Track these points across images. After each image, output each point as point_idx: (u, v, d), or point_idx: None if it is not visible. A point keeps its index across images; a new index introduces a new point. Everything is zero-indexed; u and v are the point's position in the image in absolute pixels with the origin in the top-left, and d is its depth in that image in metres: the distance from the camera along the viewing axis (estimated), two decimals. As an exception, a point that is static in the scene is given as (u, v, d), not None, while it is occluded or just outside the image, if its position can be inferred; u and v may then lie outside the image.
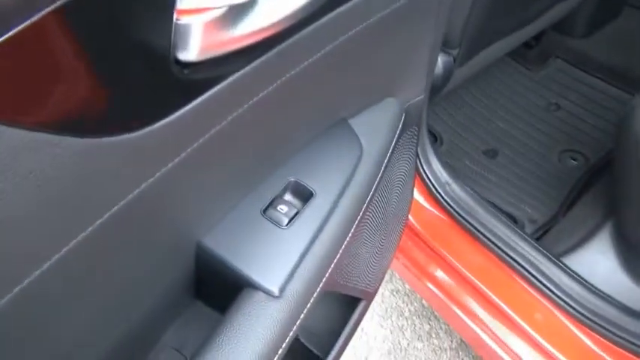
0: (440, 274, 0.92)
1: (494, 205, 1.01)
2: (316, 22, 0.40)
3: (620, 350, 0.68)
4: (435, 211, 0.93)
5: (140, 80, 0.33)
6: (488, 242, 0.88)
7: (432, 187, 0.93)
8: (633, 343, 0.67)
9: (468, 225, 0.89)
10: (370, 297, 0.67)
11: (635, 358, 0.68)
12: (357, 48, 0.45)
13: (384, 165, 0.51)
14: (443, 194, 0.91)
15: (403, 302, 1.33)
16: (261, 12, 0.36)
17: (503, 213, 0.95)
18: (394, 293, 1.34)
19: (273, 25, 0.37)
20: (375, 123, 0.52)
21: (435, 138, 1.21)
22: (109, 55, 0.30)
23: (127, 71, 0.32)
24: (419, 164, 0.92)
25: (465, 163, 1.15)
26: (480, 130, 1.23)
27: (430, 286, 0.93)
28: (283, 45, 0.38)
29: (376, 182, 0.50)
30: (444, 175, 0.93)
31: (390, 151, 0.53)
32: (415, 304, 1.32)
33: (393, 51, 0.52)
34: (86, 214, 0.33)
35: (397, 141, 0.55)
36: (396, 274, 1.34)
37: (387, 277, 1.36)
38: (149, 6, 0.31)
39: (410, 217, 0.93)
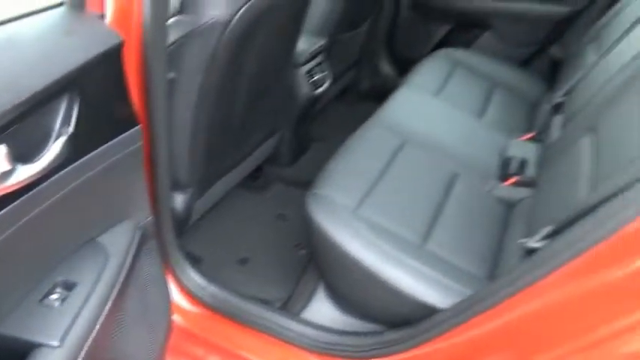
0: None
1: (251, 296, 1.29)
2: (54, 176, 0.64)
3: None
4: (203, 311, 1.16)
5: None
6: (249, 322, 1.14)
7: (197, 294, 1.17)
8: (347, 351, 1.00)
9: (232, 314, 1.15)
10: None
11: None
12: (91, 189, 0.71)
13: (126, 267, 0.75)
14: (206, 297, 1.16)
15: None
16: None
17: (258, 299, 1.24)
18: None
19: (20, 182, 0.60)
20: (116, 239, 0.77)
21: (196, 259, 1.47)
22: None
23: None
24: (183, 279, 1.16)
25: (224, 271, 1.43)
26: (232, 245, 1.55)
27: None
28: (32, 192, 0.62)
29: (122, 278, 0.74)
30: (205, 283, 1.19)
31: (132, 257, 0.78)
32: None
33: (120, 186, 0.79)
34: None
35: (137, 250, 0.80)
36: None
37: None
38: None
39: (183, 321, 1.14)
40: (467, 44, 2.19)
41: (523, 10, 2.02)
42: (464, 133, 1.55)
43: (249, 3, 1.02)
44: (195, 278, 1.17)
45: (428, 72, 1.88)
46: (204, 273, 1.20)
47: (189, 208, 1.30)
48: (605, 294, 0.70)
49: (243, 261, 1.50)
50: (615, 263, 0.70)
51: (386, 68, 2.39)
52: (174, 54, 1.01)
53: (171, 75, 1.02)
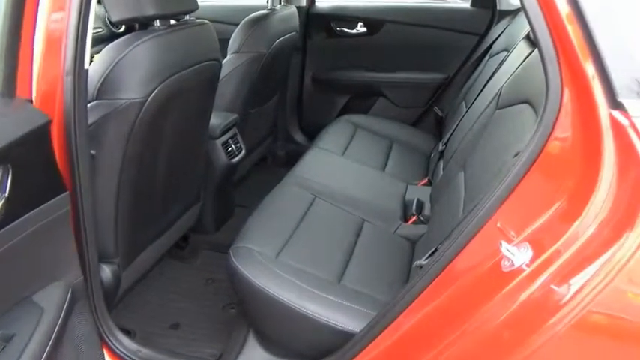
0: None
1: (185, 356, 1.34)
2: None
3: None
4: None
5: None
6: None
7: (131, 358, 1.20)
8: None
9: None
10: None
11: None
12: (24, 250, 0.78)
13: (60, 322, 0.81)
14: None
15: None
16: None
17: (192, 357, 1.29)
18: None
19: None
20: (49, 296, 0.83)
21: (128, 332, 1.48)
22: None
23: None
24: (115, 344, 1.19)
25: (157, 337, 1.46)
26: (163, 312, 1.58)
27: None
28: None
29: (56, 332, 0.79)
30: (137, 347, 1.22)
31: (65, 313, 0.84)
32: None
33: (51, 248, 0.86)
34: None
35: (69, 308, 0.87)
36: None
37: None
38: None
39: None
40: (365, 110, 2.48)
41: (406, 79, 2.37)
42: (369, 185, 1.76)
43: (161, 85, 1.18)
44: (127, 344, 1.20)
45: (333, 135, 2.12)
46: (137, 341, 1.24)
47: (117, 278, 1.34)
48: (470, 293, 0.87)
49: (175, 326, 1.53)
50: (474, 267, 0.87)
51: (298, 136, 2.61)
52: (96, 132, 1.12)
53: (93, 152, 1.12)
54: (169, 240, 1.64)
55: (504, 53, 1.81)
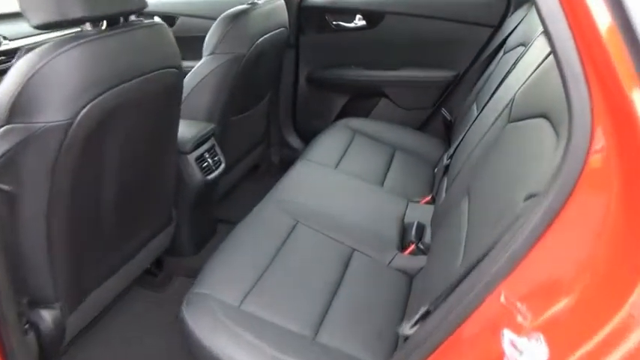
0: None
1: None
2: None
3: None
4: None
5: None
6: None
7: None
8: None
9: None
10: None
11: None
12: None
13: None
14: None
15: None
16: None
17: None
18: None
19: None
20: None
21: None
22: None
23: None
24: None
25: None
26: (124, 353, 1.39)
27: None
28: None
29: None
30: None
31: None
32: None
33: None
34: None
35: None
36: None
37: None
38: None
39: None
40: (366, 112, 2.24)
41: (411, 77, 2.11)
42: (363, 204, 1.53)
43: (93, 102, 0.96)
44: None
45: (327, 142, 1.89)
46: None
47: (60, 325, 1.15)
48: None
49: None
50: (476, 346, 0.64)
51: (293, 140, 2.39)
52: (10, 163, 0.92)
53: (7, 187, 0.92)
54: (135, 269, 1.44)
55: (521, 48, 1.55)
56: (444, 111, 1.98)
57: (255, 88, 1.91)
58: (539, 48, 1.24)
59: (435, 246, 1.22)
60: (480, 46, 1.97)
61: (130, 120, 1.12)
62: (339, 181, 1.63)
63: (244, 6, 1.70)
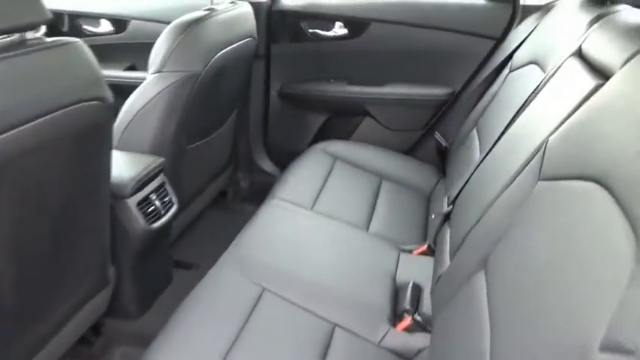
0: None
1: None
2: None
3: None
4: None
5: None
6: None
7: None
8: None
9: None
10: None
11: None
12: None
13: None
14: None
15: None
16: None
17: None
18: None
19: None
20: None
21: None
22: None
23: None
24: None
25: None
26: None
27: None
28: None
29: None
30: None
31: None
32: None
33: None
34: None
35: None
36: None
37: None
38: None
39: None
40: (347, 133, 1.96)
41: (399, 94, 1.83)
42: (345, 259, 1.24)
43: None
44: None
45: (303, 173, 1.60)
46: None
47: None
48: None
49: None
50: None
51: (265, 163, 2.10)
52: None
53: None
54: (59, 347, 1.13)
55: (534, 68, 1.29)
56: (437, 135, 1.71)
57: (217, 108, 1.61)
58: (572, 78, 0.97)
59: (442, 327, 0.94)
60: (479, 61, 1.71)
61: (26, 174, 0.81)
62: (315, 228, 1.34)
63: (199, 13, 1.39)
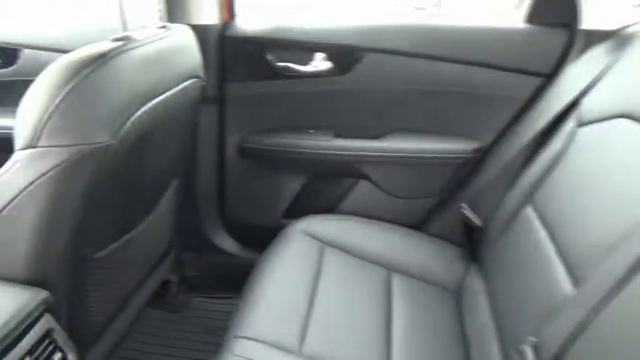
0: None
1: None
2: None
3: None
4: None
5: None
6: None
7: None
8: None
9: None
10: None
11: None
12: None
13: None
14: None
15: None
16: None
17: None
18: None
19: None
20: None
21: None
22: None
23: None
24: None
25: None
26: None
27: None
28: None
29: None
30: None
31: None
32: None
33: None
34: None
35: None
36: None
37: None
38: None
39: None
40: (334, 201, 1.44)
41: (405, 150, 1.33)
42: None
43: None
44: None
45: (277, 276, 1.09)
46: None
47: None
48: None
49: None
50: None
51: (222, 240, 1.55)
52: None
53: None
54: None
55: (623, 122, 0.84)
56: (464, 208, 1.22)
57: (143, 188, 1.06)
58: None
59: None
60: (519, 106, 1.24)
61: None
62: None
63: (105, 45, 0.83)
